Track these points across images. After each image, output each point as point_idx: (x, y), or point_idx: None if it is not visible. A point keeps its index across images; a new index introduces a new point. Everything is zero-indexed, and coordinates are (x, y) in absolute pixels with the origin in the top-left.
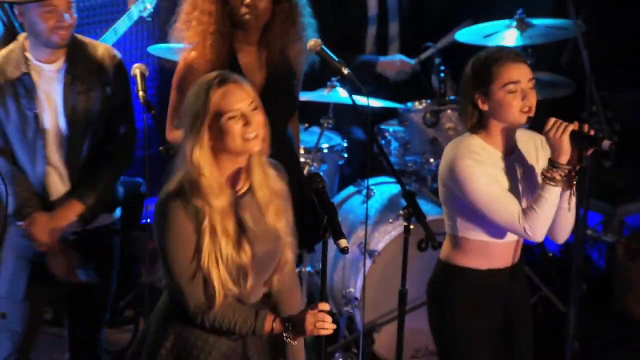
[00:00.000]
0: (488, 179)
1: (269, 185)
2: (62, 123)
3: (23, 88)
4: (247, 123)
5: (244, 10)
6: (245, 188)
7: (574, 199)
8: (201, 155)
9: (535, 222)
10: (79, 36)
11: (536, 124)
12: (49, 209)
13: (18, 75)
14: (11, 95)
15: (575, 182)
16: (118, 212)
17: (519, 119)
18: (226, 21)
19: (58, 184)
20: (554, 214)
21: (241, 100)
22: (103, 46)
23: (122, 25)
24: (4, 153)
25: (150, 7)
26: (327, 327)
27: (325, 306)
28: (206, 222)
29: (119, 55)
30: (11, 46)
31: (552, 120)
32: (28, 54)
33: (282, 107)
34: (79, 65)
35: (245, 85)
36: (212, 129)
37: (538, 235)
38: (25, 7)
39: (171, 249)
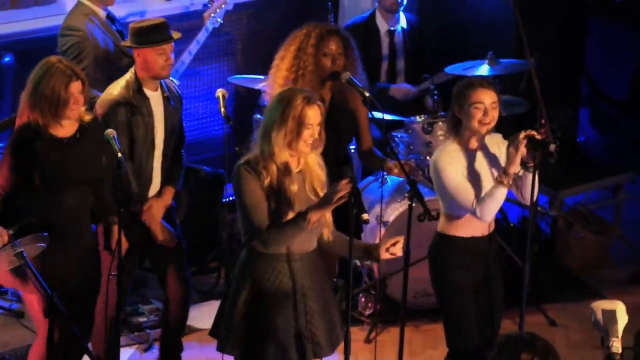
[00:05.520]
0: (456, 174)
1: (313, 172)
2: (163, 134)
3: (146, 110)
4: (313, 134)
5: (332, 67)
6: (297, 169)
7: (528, 181)
8: (280, 140)
9: (484, 208)
10: None
11: (502, 132)
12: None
13: (142, 101)
14: (139, 115)
15: (534, 170)
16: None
17: (478, 128)
18: (323, 79)
19: (158, 176)
20: (504, 196)
21: (317, 118)
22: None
23: (202, 36)
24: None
25: (220, 20)
26: (343, 189)
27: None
28: (268, 182)
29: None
30: (127, 77)
31: (511, 138)
32: (143, 86)
33: (343, 125)
34: (170, 92)
35: (322, 107)
36: (294, 130)
37: (486, 217)
38: (142, 50)
39: (246, 196)
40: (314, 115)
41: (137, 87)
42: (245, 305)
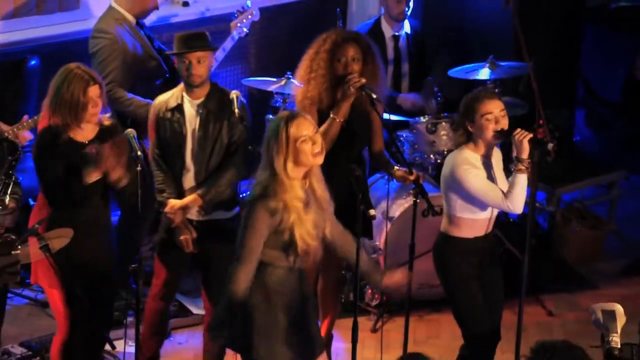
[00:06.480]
0: (479, 177)
1: (320, 183)
2: (196, 140)
3: (178, 113)
4: (314, 143)
5: (344, 72)
6: (307, 185)
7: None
8: (283, 166)
9: (514, 199)
10: (219, 85)
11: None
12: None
13: (175, 105)
14: (169, 118)
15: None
16: (237, 209)
17: (492, 137)
18: (334, 82)
19: (190, 182)
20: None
21: (307, 128)
22: (234, 92)
23: (228, 44)
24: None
25: (246, 30)
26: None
27: None
28: (290, 213)
29: (243, 99)
30: (175, 88)
31: (518, 129)
32: (184, 93)
33: (359, 129)
34: (214, 103)
35: (309, 117)
36: (291, 149)
37: (517, 209)
38: (176, 58)
39: (249, 233)
40: (300, 127)
41: (179, 93)
42: (262, 314)
